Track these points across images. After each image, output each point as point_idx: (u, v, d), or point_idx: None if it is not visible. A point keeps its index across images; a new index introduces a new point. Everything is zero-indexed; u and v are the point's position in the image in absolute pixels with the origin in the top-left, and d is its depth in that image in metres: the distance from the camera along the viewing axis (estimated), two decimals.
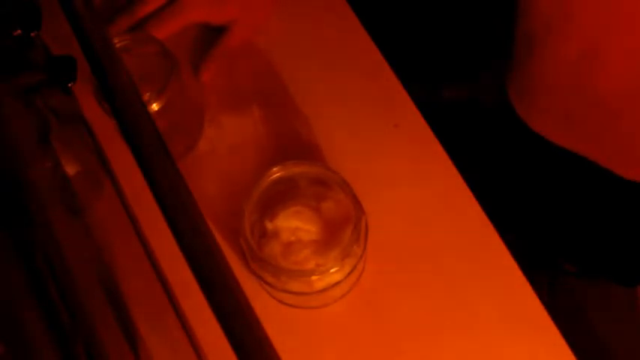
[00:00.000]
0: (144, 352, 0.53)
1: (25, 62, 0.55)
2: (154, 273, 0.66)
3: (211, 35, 0.76)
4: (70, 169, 0.61)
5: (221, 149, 0.72)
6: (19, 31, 0.53)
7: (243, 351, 0.35)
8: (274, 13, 0.77)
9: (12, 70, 0.53)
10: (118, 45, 0.66)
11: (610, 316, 1.05)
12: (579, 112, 0.71)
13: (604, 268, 0.93)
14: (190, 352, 0.63)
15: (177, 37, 0.75)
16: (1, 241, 0.45)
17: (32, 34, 0.53)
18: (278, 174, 0.62)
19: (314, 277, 0.60)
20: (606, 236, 0.86)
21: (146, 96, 0.64)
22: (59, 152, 0.59)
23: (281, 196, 0.63)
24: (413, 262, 0.66)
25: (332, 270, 0.59)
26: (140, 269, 0.65)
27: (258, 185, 0.62)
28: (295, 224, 0.62)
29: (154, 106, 0.64)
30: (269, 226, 0.62)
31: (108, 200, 0.68)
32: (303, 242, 0.62)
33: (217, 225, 0.66)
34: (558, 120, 0.75)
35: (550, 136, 0.76)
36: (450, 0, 0.92)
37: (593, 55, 0.64)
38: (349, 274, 0.61)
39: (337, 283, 0.61)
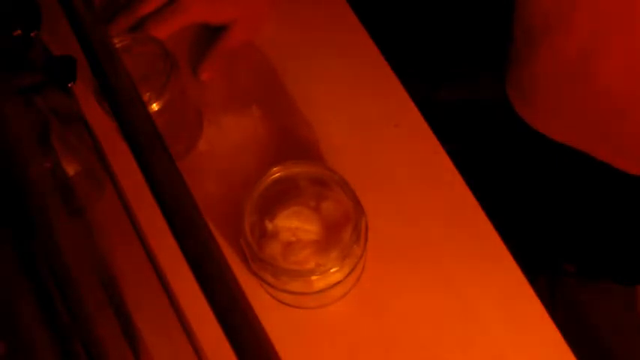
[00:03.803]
0: (144, 352, 0.53)
1: (25, 62, 0.55)
2: (154, 273, 0.66)
3: (211, 35, 0.76)
4: (70, 169, 0.61)
5: (221, 149, 0.72)
6: (19, 31, 0.53)
7: (243, 351, 0.35)
8: (274, 13, 0.77)
9: (12, 70, 0.53)
10: (118, 45, 0.66)
11: (610, 316, 1.05)
12: (580, 109, 0.71)
13: (604, 268, 0.93)
14: (190, 352, 0.63)
15: (177, 37, 0.75)
16: (1, 241, 0.45)
17: (32, 34, 0.53)
18: (278, 174, 0.62)
19: (314, 277, 0.60)
20: (606, 236, 0.86)
21: (146, 96, 0.64)
22: (59, 152, 0.59)
23: (281, 196, 0.63)
24: (413, 262, 0.66)
25: (332, 270, 0.59)
26: (140, 269, 0.65)
27: (258, 185, 0.62)
28: (295, 224, 0.62)
29: (154, 106, 0.64)
30: (269, 226, 0.62)
31: (108, 200, 0.68)
32: (303, 242, 0.62)
33: (217, 225, 0.66)
34: (559, 117, 0.75)
35: (551, 134, 0.76)
36: (450, 0, 0.92)
37: (593, 52, 0.64)
38: (349, 274, 0.61)
39: (337, 283, 0.61)
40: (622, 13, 0.61)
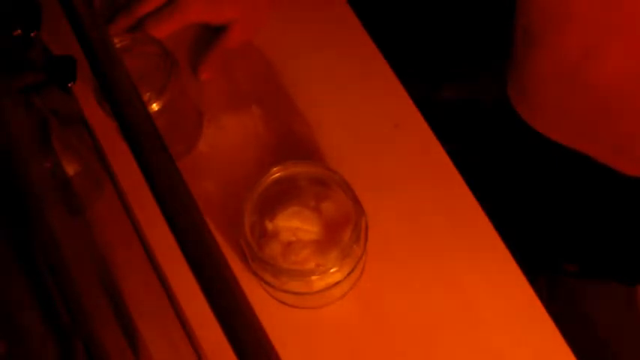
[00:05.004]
0: (144, 352, 0.53)
1: (25, 62, 0.55)
2: (154, 273, 0.66)
3: (211, 35, 0.76)
4: (70, 169, 0.61)
5: (221, 149, 0.72)
6: (19, 31, 0.53)
7: (243, 351, 0.35)
8: (274, 13, 0.77)
9: (12, 70, 0.54)
10: (118, 45, 0.66)
11: (610, 316, 1.05)
12: (579, 109, 0.71)
13: (605, 268, 0.93)
14: (190, 352, 0.63)
15: (177, 37, 0.75)
16: (1, 241, 0.45)
17: (32, 34, 0.53)
18: (278, 174, 0.62)
19: (314, 277, 0.60)
20: (607, 235, 0.86)
21: (146, 96, 0.64)
22: (59, 152, 0.59)
23: (281, 196, 0.63)
24: (413, 262, 0.66)
25: (332, 270, 0.59)
26: (140, 269, 0.65)
27: (258, 185, 0.62)
28: (295, 224, 0.62)
29: (154, 106, 0.64)
30: (269, 226, 0.62)
31: (108, 200, 0.68)
32: (303, 242, 0.62)
33: (217, 225, 0.66)
34: (559, 117, 0.75)
35: (550, 134, 0.76)
36: (450, 0, 0.92)
37: (592, 53, 0.64)
38: (349, 274, 0.61)
39: (337, 283, 0.61)
40: (621, 14, 0.61)
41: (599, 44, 0.63)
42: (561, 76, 0.70)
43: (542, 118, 0.76)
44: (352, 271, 0.61)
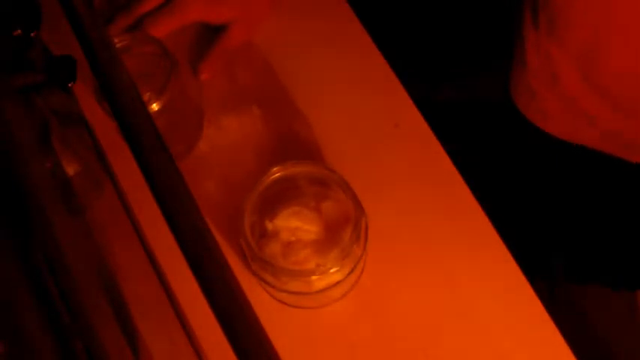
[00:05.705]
0: (144, 352, 0.53)
1: (25, 62, 0.55)
2: (154, 273, 0.66)
3: (211, 35, 0.76)
4: (70, 169, 0.61)
5: (221, 149, 0.72)
6: (19, 31, 0.53)
7: (243, 351, 0.35)
8: (273, 12, 0.77)
9: (12, 70, 0.53)
10: (118, 45, 0.66)
11: (610, 317, 1.05)
12: (582, 105, 0.71)
13: (604, 271, 0.93)
14: (190, 352, 0.63)
15: (177, 36, 0.75)
16: (1, 241, 0.45)
17: (32, 34, 0.53)
18: (278, 174, 0.62)
19: (314, 277, 0.60)
20: (608, 238, 0.86)
21: (146, 96, 0.64)
22: (59, 152, 0.59)
23: (281, 196, 0.63)
24: (413, 262, 0.66)
25: (332, 270, 0.59)
26: (140, 269, 0.65)
27: (258, 185, 0.62)
28: (295, 224, 0.62)
29: (154, 106, 0.64)
30: (269, 226, 0.62)
31: (108, 200, 0.68)
32: (303, 242, 0.62)
33: (217, 225, 0.66)
34: (561, 114, 0.75)
35: (552, 131, 0.76)
36: (450, 0, 0.92)
37: (594, 50, 0.64)
38: (349, 274, 0.61)
39: (337, 283, 0.61)
40: (622, 12, 0.61)
41: (600, 41, 0.63)
42: (565, 74, 0.70)
43: (545, 115, 0.76)
44: (352, 271, 0.61)
